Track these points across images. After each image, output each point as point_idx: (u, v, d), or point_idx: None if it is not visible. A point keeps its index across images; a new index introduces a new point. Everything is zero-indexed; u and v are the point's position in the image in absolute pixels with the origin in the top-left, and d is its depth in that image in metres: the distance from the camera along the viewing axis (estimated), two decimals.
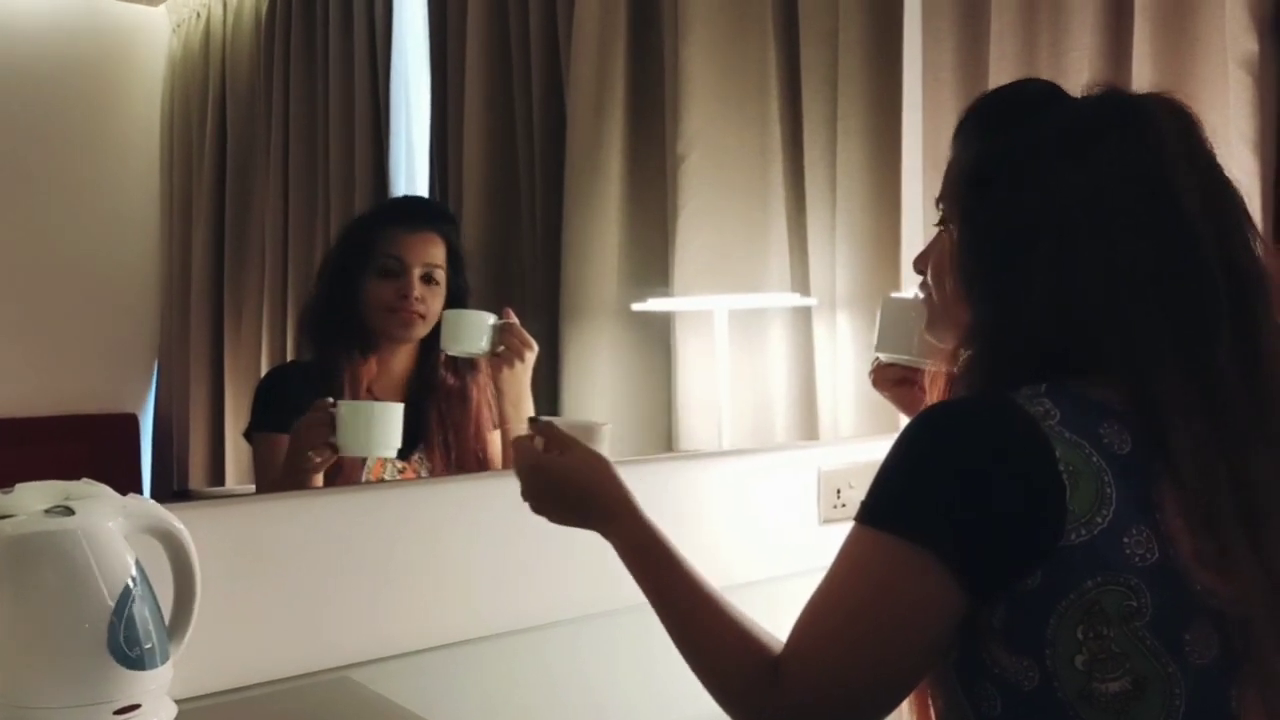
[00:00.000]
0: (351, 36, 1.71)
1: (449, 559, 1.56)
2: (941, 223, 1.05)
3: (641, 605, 1.61)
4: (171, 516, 1.12)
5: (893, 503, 0.92)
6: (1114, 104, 0.98)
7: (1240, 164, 1.61)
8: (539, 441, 1.19)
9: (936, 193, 1.09)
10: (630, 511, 1.11)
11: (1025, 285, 0.94)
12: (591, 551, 1.63)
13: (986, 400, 0.95)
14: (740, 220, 2.03)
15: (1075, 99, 1.01)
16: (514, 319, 1.72)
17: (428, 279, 1.68)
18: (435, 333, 1.69)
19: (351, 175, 1.71)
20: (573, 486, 1.15)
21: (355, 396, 1.62)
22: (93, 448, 1.50)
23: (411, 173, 1.76)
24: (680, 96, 1.95)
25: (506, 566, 1.61)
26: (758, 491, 1.88)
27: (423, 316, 1.67)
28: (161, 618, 1.09)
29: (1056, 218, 0.93)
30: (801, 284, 2.09)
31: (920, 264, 1.11)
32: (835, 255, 2.07)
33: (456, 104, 1.79)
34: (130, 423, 1.53)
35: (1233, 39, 1.61)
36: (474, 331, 1.70)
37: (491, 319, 1.70)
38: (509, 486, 1.60)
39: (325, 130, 1.68)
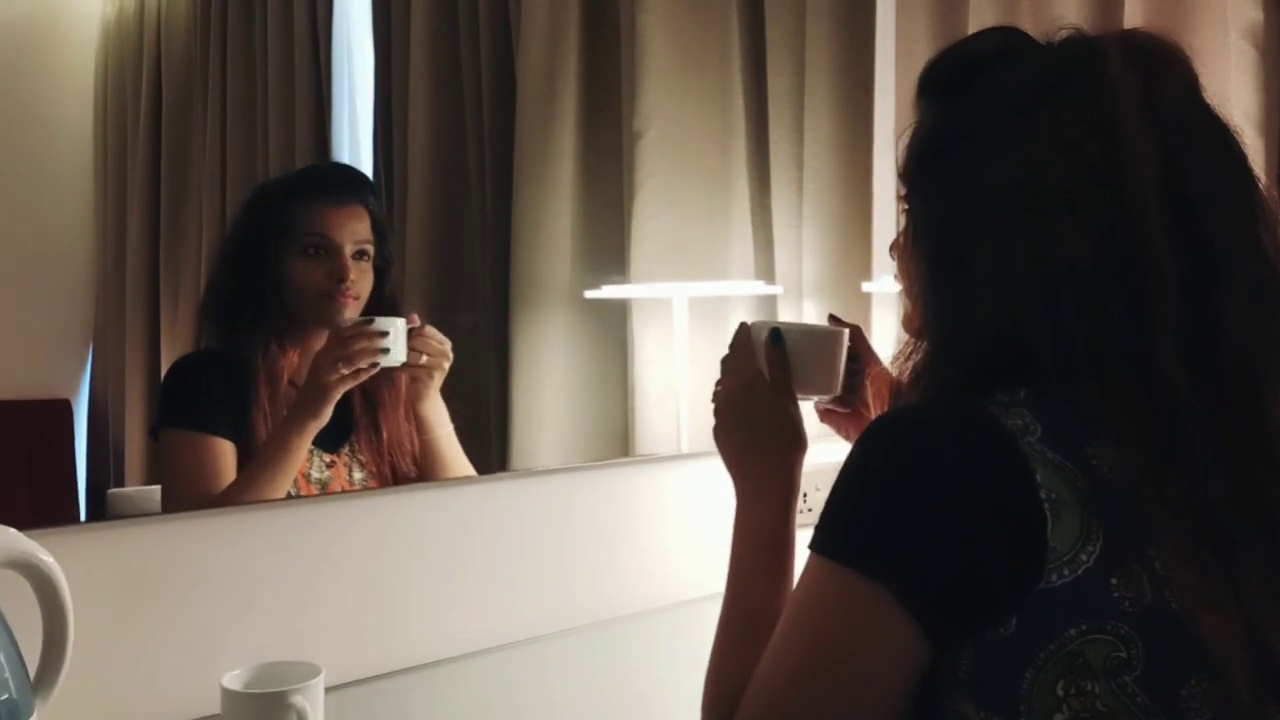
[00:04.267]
0: (291, 4, 1.66)
1: (382, 582, 1.52)
2: (904, 200, 1.01)
3: (594, 624, 1.67)
4: (37, 548, 0.99)
5: (840, 527, 0.85)
6: (1064, 57, 0.91)
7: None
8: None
9: None
10: (783, 489, 1.08)
11: (968, 283, 0.88)
12: (540, 571, 1.66)
13: (953, 408, 0.87)
14: (701, 202, 1.99)
15: (1031, 52, 0.94)
16: (418, 322, 1.62)
17: (359, 256, 1.59)
18: (368, 311, 1.60)
19: (292, 148, 1.67)
20: (757, 424, 1.11)
21: (274, 390, 1.53)
22: (24, 435, 1.43)
23: (355, 145, 1.72)
24: (637, 68, 1.90)
25: (449, 587, 1.58)
26: (718, 496, 1.78)
27: (356, 298, 1.59)
28: (23, 666, 0.94)
29: (996, 207, 0.87)
30: (766, 270, 2.05)
31: (894, 250, 1.07)
32: (802, 240, 2.03)
33: (401, 74, 1.75)
34: (63, 409, 1.48)
35: (1235, 8, 1.57)
36: (392, 341, 1.58)
37: (403, 323, 1.59)
38: (451, 499, 1.61)
39: (264, 100, 1.64)
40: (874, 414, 1.27)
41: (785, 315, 2.02)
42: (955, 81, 0.94)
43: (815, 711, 0.82)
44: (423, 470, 1.63)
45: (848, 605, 0.82)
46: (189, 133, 1.57)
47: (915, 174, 0.96)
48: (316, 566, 1.46)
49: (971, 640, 0.80)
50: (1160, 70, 0.87)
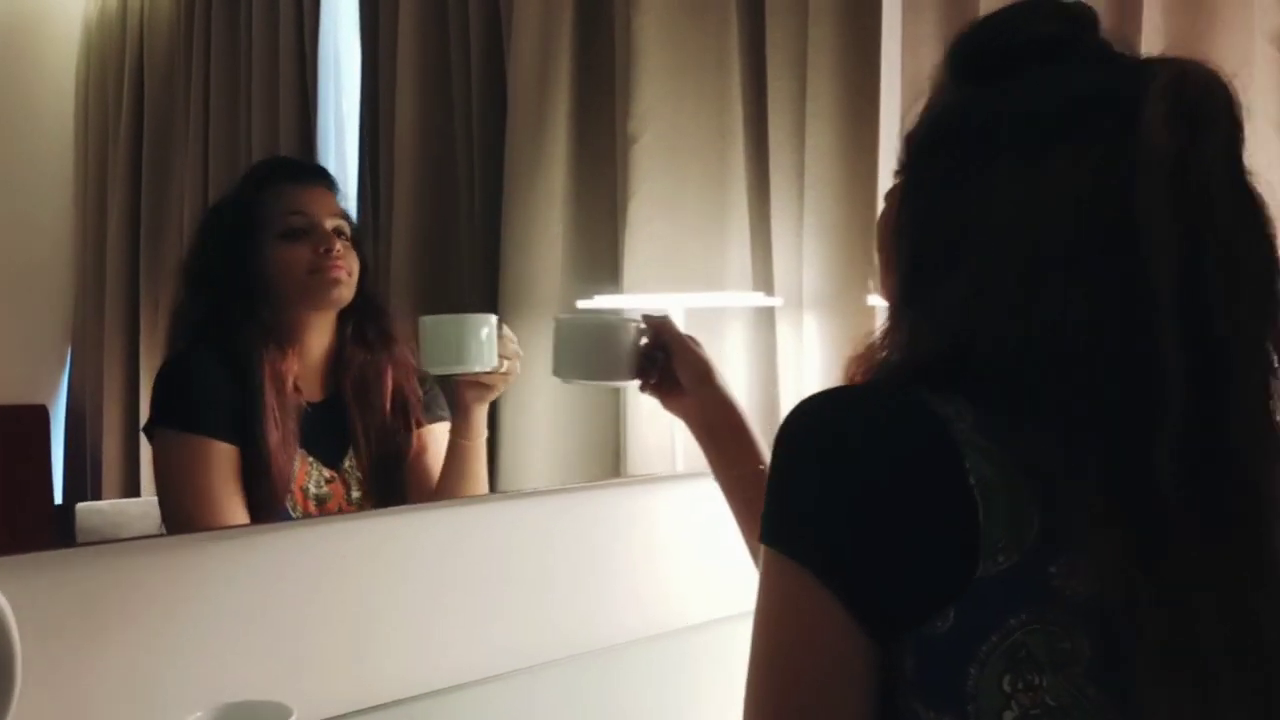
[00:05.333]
0: (276, 2, 1.66)
1: (358, 612, 1.50)
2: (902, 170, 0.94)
3: (583, 655, 1.65)
4: None
5: (768, 509, 0.83)
6: (1104, 87, 0.83)
7: (1266, 150, 1.59)
8: None
9: None
10: None
11: (942, 292, 0.84)
12: (527, 599, 1.64)
13: (882, 389, 0.85)
14: (697, 209, 1.97)
15: (1080, 58, 0.86)
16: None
17: (339, 235, 1.56)
18: (352, 308, 1.57)
19: (275, 150, 1.66)
20: None
21: (280, 393, 1.50)
22: None
23: (341, 150, 1.71)
24: (632, 71, 1.90)
25: (430, 617, 1.55)
26: (714, 518, 1.78)
27: (349, 274, 1.56)
28: None
29: (989, 229, 0.82)
30: (764, 281, 2.03)
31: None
32: (802, 250, 2.01)
33: (388, 75, 1.74)
34: (40, 415, 1.46)
35: (1261, 12, 1.59)
36: (486, 343, 1.53)
37: (495, 321, 1.56)
38: (434, 523, 1.57)
39: (248, 101, 1.64)
40: (693, 396, 1.36)
41: (784, 328, 2.01)
42: (989, 66, 0.87)
43: (785, 694, 0.80)
44: (447, 477, 1.61)
45: (787, 592, 0.80)
46: (171, 134, 1.57)
47: (920, 153, 0.90)
48: (288, 596, 1.44)
49: (910, 635, 0.78)
50: (1202, 131, 0.79)
